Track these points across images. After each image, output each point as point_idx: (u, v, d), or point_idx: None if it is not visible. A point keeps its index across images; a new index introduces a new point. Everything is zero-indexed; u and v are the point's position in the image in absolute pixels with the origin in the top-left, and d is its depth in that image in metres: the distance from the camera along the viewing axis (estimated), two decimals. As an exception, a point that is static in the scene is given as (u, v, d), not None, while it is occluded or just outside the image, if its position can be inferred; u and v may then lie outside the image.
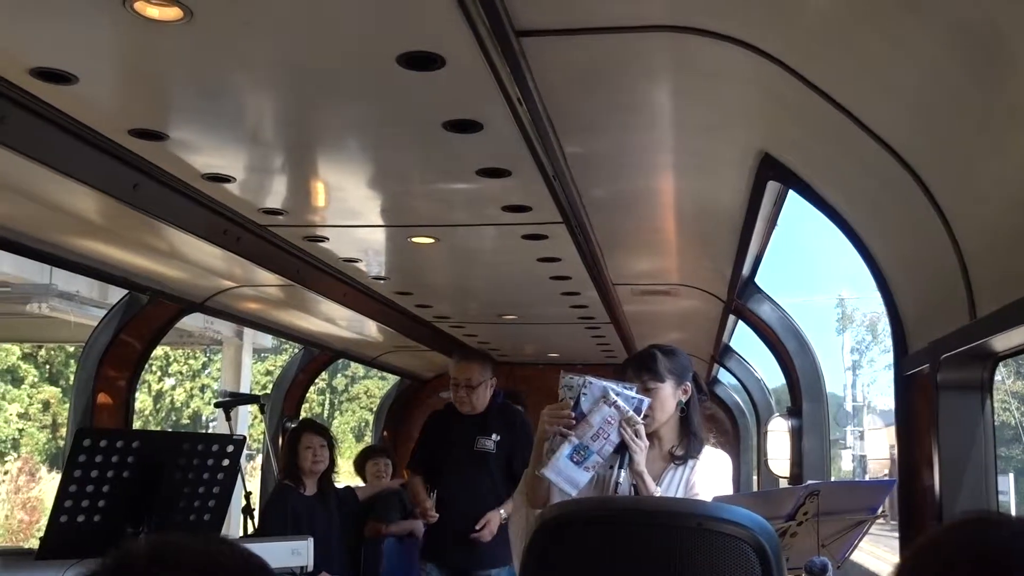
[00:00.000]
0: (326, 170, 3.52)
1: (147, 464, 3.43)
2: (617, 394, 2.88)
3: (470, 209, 3.96)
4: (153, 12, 2.13)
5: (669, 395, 3.08)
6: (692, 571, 2.03)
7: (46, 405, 28.54)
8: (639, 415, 2.89)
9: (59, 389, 27.68)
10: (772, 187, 3.49)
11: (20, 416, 28.21)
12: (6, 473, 23.31)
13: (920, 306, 3.17)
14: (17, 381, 28.52)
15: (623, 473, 2.87)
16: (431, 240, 4.46)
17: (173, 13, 2.14)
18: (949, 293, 2.62)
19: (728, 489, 3.09)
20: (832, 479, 8.80)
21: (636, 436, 2.87)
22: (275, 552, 3.90)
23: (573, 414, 2.88)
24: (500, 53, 2.31)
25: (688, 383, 3.14)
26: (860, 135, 2.50)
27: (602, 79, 2.62)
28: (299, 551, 4.03)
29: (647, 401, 2.93)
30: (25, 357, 28.32)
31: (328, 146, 3.25)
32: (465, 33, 2.19)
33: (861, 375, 38.15)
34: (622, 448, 2.88)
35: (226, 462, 3.69)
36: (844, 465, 30.77)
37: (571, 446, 2.86)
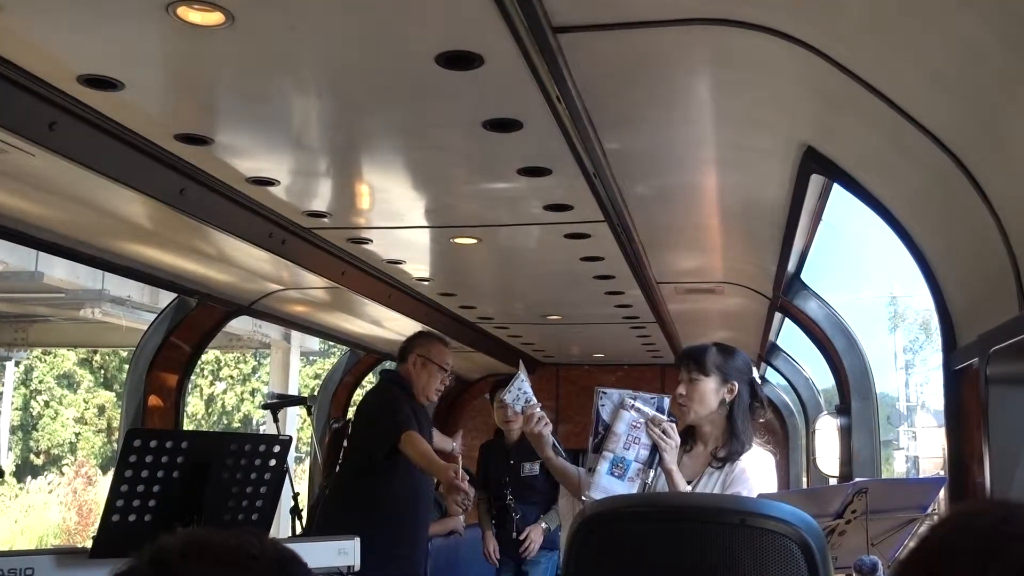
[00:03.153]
0: (369, 172, 3.55)
1: (196, 464, 3.47)
2: (634, 398, 2.90)
3: (512, 209, 3.97)
4: (195, 17, 2.17)
5: (711, 390, 3.09)
6: (735, 568, 2.02)
7: (101, 409, 29.10)
8: (663, 413, 2.90)
9: (113, 393, 28.19)
10: (816, 181, 3.45)
11: (76, 420, 28.80)
12: (61, 475, 23.84)
13: (969, 299, 3.11)
14: (73, 386, 29.12)
15: (652, 473, 2.88)
16: (473, 241, 4.47)
17: (215, 18, 2.17)
18: (998, 285, 2.57)
19: (771, 487, 3.06)
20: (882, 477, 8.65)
21: (664, 434, 2.88)
22: (322, 551, 3.93)
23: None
24: (538, 50, 2.31)
25: (735, 383, 3.13)
26: (905, 125, 2.46)
27: (640, 74, 2.61)
28: (346, 550, 4.05)
29: (667, 399, 2.95)
30: (81, 363, 28.92)
31: (370, 148, 3.28)
32: (502, 31, 2.20)
33: (914, 374, 37.46)
34: (655, 449, 2.89)
35: (273, 462, 3.73)
36: (898, 466, 30.24)
37: (607, 461, 2.89)
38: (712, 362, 3.11)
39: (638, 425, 2.88)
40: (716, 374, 3.11)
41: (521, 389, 3.29)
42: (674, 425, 2.95)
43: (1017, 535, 0.95)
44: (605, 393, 2.95)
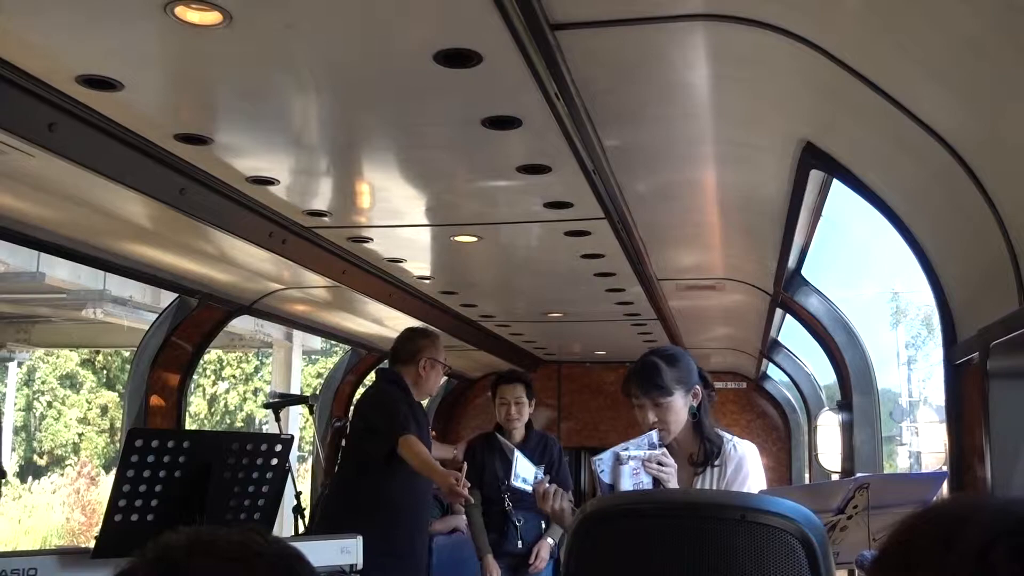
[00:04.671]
0: (369, 170, 3.55)
1: (198, 463, 3.48)
2: (625, 449, 2.89)
3: (512, 206, 3.97)
4: (193, 17, 2.17)
5: (680, 406, 3.03)
6: (736, 564, 2.02)
7: (104, 410, 29.16)
8: (656, 447, 2.90)
9: (116, 394, 28.24)
10: (815, 177, 3.45)
11: (79, 421, 28.85)
12: (64, 476, 23.87)
13: (969, 294, 3.11)
14: (76, 386, 29.17)
15: None
16: (474, 239, 4.48)
17: (213, 17, 2.17)
18: (998, 279, 2.57)
19: (760, 478, 3.05)
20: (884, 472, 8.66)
21: (662, 466, 2.87)
22: (325, 550, 3.93)
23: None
24: (536, 47, 2.31)
25: (697, 386, 3.07)
26: (904, 120, 2.46)
27: (639, 70, 2.61)
28: (348, 549, 4.05)
29: (655, 433, 2.93)
30: (83, 363, 28.98)
31: (370, 146, 3.28)
32: (500, 28, 2.20)
33: (916, 370, 37.44)
34: (657, 482, 2.88)
35: (275, 461, 3.73)
36: (901, 462, 30.25)
37: None
38: (670, 379, 3.01)
39: (638, 471, 2.87)
40: (678, 388, 3.02)
41: (523, 468, 3.24)
42: (665, 450, 2.93)
43: (971, 518, 1.00)
44: (600, 459, 2.90)
